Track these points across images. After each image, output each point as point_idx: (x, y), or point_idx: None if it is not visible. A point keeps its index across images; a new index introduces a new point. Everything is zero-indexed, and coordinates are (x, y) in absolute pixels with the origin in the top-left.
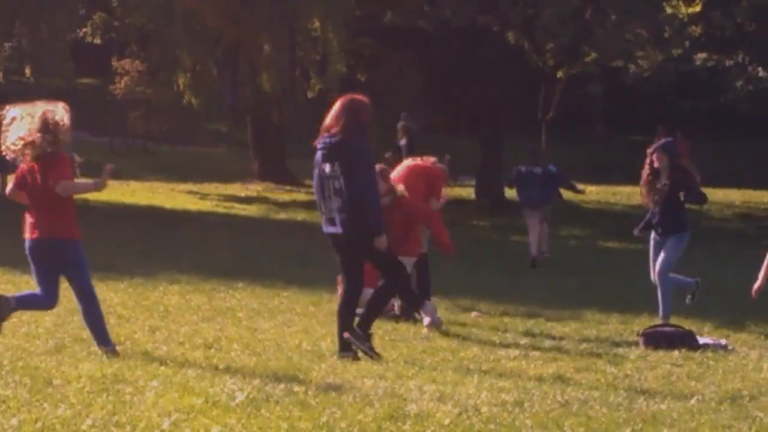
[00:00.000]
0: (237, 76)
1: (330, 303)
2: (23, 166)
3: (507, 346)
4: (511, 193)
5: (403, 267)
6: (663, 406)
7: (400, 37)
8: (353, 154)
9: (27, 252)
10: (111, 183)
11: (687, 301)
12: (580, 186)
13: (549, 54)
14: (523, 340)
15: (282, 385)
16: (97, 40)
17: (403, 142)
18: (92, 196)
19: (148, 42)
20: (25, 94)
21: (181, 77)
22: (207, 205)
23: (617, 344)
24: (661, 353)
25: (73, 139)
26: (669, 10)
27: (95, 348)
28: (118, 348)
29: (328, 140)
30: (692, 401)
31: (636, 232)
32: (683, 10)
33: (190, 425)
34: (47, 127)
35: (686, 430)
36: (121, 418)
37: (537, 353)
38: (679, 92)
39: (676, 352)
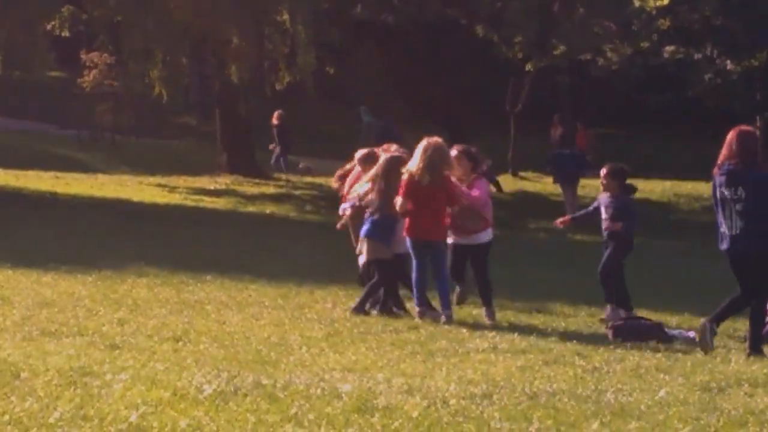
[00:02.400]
0: (205, 68)
1: (298, 296)
2: None
3: (475, 338)
4: None
5: None
6: (631, 399)
7: (368, 30)
8: (755, 180)
9: None
10: (78, 176)
11: None
12: None
13: (517, 47)
14: (492, 333)
15: (250, 378)
16: (66, 33)
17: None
18: (61, 188)
19: (118, 34)
20: None
21: (153, 69)
22: (175, 198)
23: (586, 337)
24: (629, 346)
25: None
26: (637, 3)
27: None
28: (85, 340)
29: (730, 167)
30: (661, 393)
31: None
32: (651, 3)
33: (158, 418)
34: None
35: (654, 422)
36: (89, 411)
37: (505, 346)
38: (647, 85)
39: (644, 345)
